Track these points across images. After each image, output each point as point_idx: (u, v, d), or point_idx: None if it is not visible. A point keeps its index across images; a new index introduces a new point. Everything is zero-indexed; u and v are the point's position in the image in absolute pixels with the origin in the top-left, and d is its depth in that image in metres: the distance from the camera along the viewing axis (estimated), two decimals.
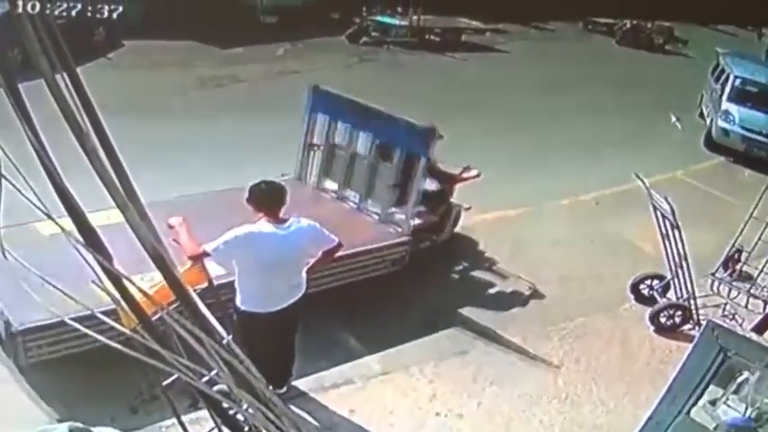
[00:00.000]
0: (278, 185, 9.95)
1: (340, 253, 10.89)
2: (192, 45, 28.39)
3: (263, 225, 9.50)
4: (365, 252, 13.29)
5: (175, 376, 5.75)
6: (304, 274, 9.97)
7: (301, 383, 10.74)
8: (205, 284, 7.23)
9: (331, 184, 15.22)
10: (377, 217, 14.37)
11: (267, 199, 9.71)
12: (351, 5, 35.52)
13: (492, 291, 14.41)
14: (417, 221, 14.14)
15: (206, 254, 9.20)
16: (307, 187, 15.33)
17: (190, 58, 27.02)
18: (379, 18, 34.88)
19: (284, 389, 10.30)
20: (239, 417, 5.56)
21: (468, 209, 15.54)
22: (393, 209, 14.27)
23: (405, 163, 14.04)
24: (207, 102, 22.54)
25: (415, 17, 34.93)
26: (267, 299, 9.63)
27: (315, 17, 33.85)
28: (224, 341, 5.38)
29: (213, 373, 4.78)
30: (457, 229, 15.51)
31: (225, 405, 5.70)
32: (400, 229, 13.94)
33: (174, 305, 4.70)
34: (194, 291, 6.26)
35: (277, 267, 9.56)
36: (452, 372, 11.56)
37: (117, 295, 4.28)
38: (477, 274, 14.85)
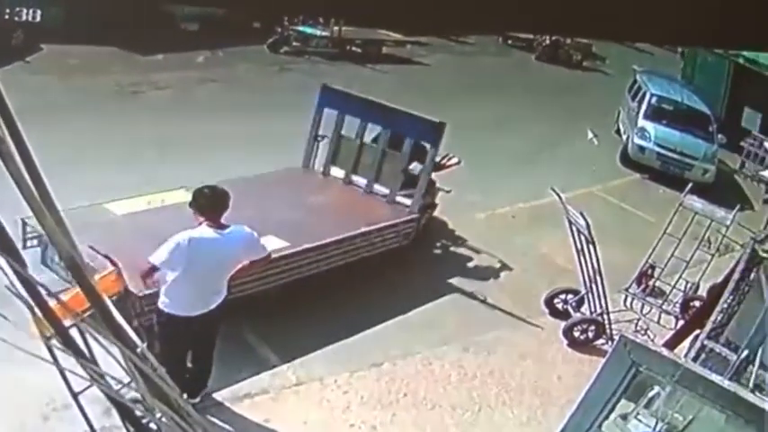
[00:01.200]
0: (221, 190, 9.95)
1: (365, 229, 14.27)
2: (112, 51, 28.11)
3: (205, 230, 9.55)
4: (385, 228, 15.18)
5: (89, 384, 5.76)
6: (226, 281, 9.98)
7: (216, 393, 10.70)
8: (120, 292, 7.22)
9: (338, 172, 16.82)
10: (384, 199, 16.11)
11: (210, 204, 9.76)
12: (272, 15, 35.40)
13: (409, 304, 14.38)
14: (421, 202, 16.06)
15: (154, 267, 9.32)
16: (314, 174, 16.99)
17: (108, 64, 26.73)
18: (300, 28, 34.82)
19: (198, 399, 10.29)
20: (153, 426, 5.57)
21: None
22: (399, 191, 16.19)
23: (411, 151, 16.09)
24: (123, 108, 22.33)
25: (336, 28, 34.94)
26: (194, 303, 9.63)
27: (236, 26, 33.72)
28: (138, 350, 5.39)
29: (127, 381, 4.79)
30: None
31: (138, 414, 5.71)
32: (408, 209, 15.79)
33: (89, 313, 4.71)
34: (109, 299, 6.27)
35: (211, 272, 9.65)
36: (367, 383, 11.55)
37: (31, 302, 4.28)
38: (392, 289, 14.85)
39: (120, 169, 16.79)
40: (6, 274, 3.93)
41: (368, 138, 16.70)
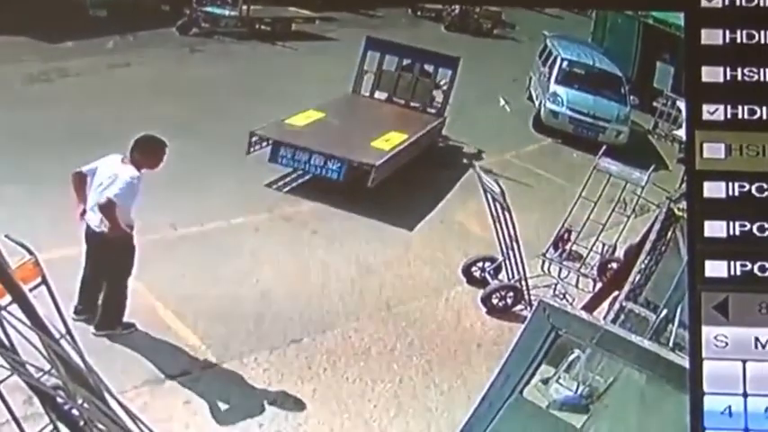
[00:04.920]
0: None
1: (429, 126, 21.03)
2: (22, 40, 27.54)
3: None
4: (434, 128, 21.47)
5: (9, 373, 5.60)
6: None
7: (135, 375, 10.56)
8: (39, 281, 7.03)
9: (381, 94, 22.36)
10: (419, 110, 22.01)
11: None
12: None
13: (320, 274, 14.30)
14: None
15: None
16: (361, 98, 22.38)
17: (17, 54, 26.17)
18: (208, 9, 34.44)
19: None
20: (75, 412, 5.43)
21: None
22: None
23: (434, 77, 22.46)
24: (35, 96, 21.99)
25: (245, 7, 34.64)
26: None
27: (145, 10, 33.29)
28: (59, 338, 5.24)
29: (48, 369, 4.65)
30: None
31: (60, 400, 5.56)
32: (437, 113, 22.06)
33: (9, 302, 4.56)
34: (27, 288, 6.10)
35: None
36: (287, 360, 11.49)
37: None
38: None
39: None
40: None
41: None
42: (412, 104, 22.32)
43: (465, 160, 20.96)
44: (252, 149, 17.82)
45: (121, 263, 11.20)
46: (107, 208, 10.73)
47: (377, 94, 22.53)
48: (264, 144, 17.90)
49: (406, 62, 22.81)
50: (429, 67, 22.75)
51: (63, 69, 24.70)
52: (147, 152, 11.13)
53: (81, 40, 28.53)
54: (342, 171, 17.36)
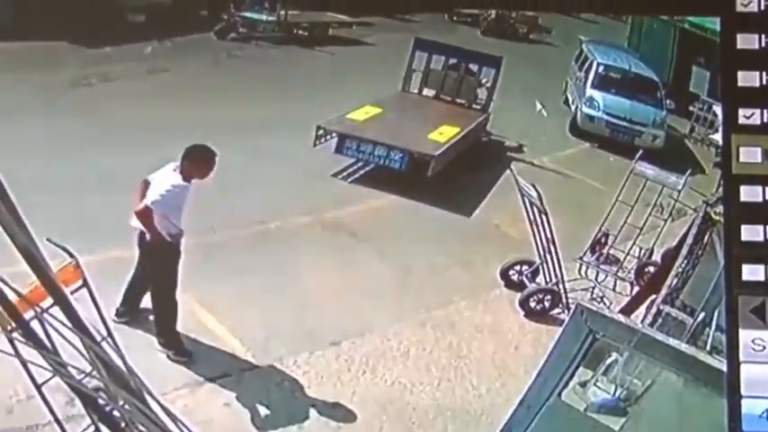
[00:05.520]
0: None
1: (478, 120, 22.70)
2: (62, 45, 27.69)
3: None
4: (480, 123, 22.94)
5: (52, 375, 5.70)
6: None
7: (176, 377, 10.65)
8: (80, 283, 7.12)
9: (429, 92, 23.87)
10: (464, 107, 23.60)
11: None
12: (219, 2, 35.10)
13: (360, 277, 14.37)
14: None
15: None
16: (411, 95, 23.87)
17: (58, 59, 26.35)
18: (246, 14, 34.51)
19: None
20: (116, 413, 5.51)
21: None
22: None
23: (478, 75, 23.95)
24: (76, 101, 22.12)
25: (282, 12, 34.68)
26: None
27: (183, 15, 33.38)
28: (100, 340, 5.33)
29: (89, 370, 4.73)
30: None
31: (101, 402, 5.65)
32: (482, 109, 23.56)
33: (51, 305, 4.64)
34: (69, 290, 6.19)
35: None
36: (326, 362, 11.54)
37: None
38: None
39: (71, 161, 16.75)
40: None
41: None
42: (458, 101, 23.75)
43: (508, 153, 23.13)
44: (318, 142, 19.24)
45: (161, 270, 11.10)
46: (143, 214, 10.78)
47: (425, 92, 23.94)
48: (329, 137, 19.35)
49: (451, 62, 24.14)
50: (473, 67, 24.03)
51: (103, 74, 24.84)
52: (196, 162, 10.90)
53: (120, 46, 28.65)
54: (404, 161, 18.71)
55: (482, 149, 22.91)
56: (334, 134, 19.38)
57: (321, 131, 19.35)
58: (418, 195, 17.94)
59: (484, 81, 24.12)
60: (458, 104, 23.80)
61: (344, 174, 19.27)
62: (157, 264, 11.01)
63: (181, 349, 11.04)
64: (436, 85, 24.09)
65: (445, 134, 20.56)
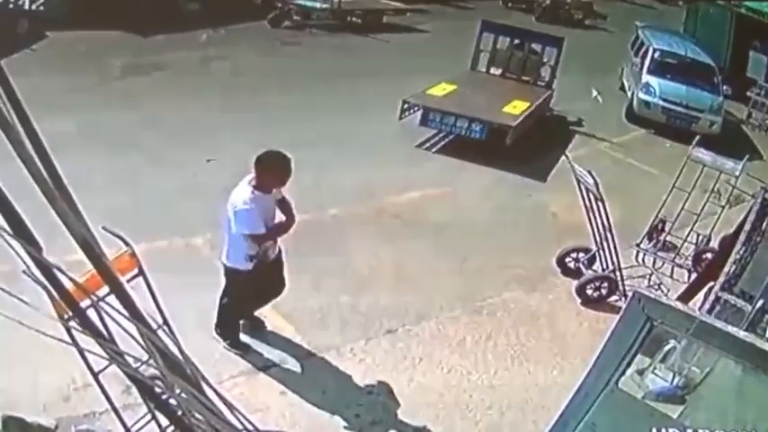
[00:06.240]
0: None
1: (538, 101, 23.53)
2: (116, 35, 27.91)
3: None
4: (545, 99, 24.56)
5: (108, 363, 5.75)
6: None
7: (232, 365, 10.71)
8: (136, 272, 7.17)
9: (495, 71, 25.95)
10: (529, 84, 25.33)
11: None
12: None
13: (416, 265, 14.39)
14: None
15: None
16: (478, 74, 25.76)
17: (113, 48, 26.54)
18: (300, 1, 34.58)
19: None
20: (172, 401, 5.55)
21: None
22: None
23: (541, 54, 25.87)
24: (129, 90, 22.27)
25: (336, 0, 34.77)
26: None
27: (237, 3, 33.53)
28: (157, 328, 5.36)
29: (146, 359, 4.78)
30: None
31: (158, 390, 5.69)
32: (546, 86, 25.31)
33: (107, 293, 4.69)
34: (125, 279, 6.25)
35: None
36: (382, 350, 11.58)
37: (48, 285, 4.26)
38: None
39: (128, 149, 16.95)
40: (23, 259, 3.92)
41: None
42: (523, 78, 25.57)
43: (570, 127, 24.84)
44: (403, 115, 20.91)
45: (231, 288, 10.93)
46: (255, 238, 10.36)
47: (492, 70, 26.01)
48: (413, 110, 21.04)
49: (516, 42, 26.16)
50: (537, 47, 26.03)
51: (157, 63, 25.02)
52: (271, 169, 10.19)
53: (173, 34, 28.83)
54: (484, 131, 20.42)
55: (548, 123, 24.28)
56: (417, 108, 20.99)
57: (406, 106, 20.91)
58: (497, 162, 19.38)
59: (546, 60, 25.70)
60: (523, 82, 25.45)
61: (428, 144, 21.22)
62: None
63: (236, 342, 11.08)
64: (502, 64, 25.94)
65: (518, 107, 22.17)
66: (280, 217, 10.48)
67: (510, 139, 20.27)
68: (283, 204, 10.50)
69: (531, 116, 22.41)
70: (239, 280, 10.62)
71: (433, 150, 20.78)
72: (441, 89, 22.60)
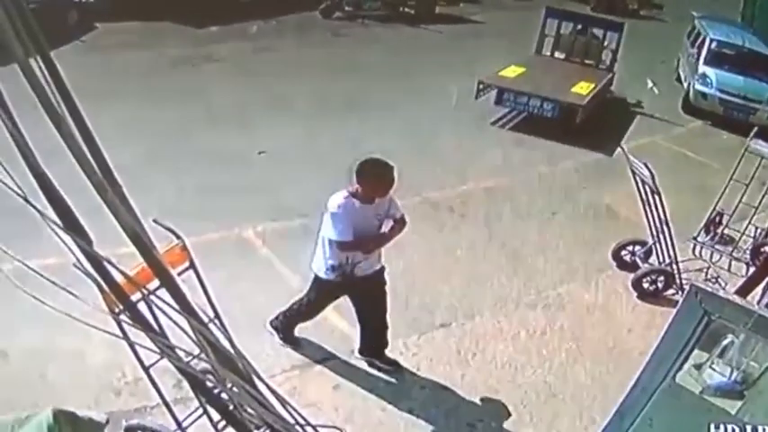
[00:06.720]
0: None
1: (602, 82, 24.42)
2: (166, 26, 28.08)
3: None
4: (608, 81, 25.35)
5: (159, 357, 5.74)
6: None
7: (284, 359, 10.71)
8: (187, 265, 7.18)
9: (559, 54, 26.82)
10: (592, 65, 26.30)
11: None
12: None
13: (469, 258, 14.34)
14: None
15: None
16: (543, 58, 26.66)
17: (163, 39, 26.71)
18: None
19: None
20: (224, 395, 5.53)
21: None
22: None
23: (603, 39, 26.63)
24: (181, 82, 22.35)
25: None
26: None
27: None
28: (208, 322, 5.34)
29: (197, 353, 4.76)
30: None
31: (209, 384, 5.68)
32: (607, 69, 26.13)
33: (157, 287, 4.67)
34: (176, 272, 6.23)
35: None
36: (436, 344, 11.52)
37: (99, 279, 4.25)
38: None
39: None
40: (74, 253, 3.91)
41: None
42: (586, 62, 26.43)
43: (631, 108, 25.72)
44: (479, 95, 22.13)
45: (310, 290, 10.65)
46: (344, 247, 9.87)
47: (556, 54, 26.92)
48: (488, 90, 22.23)
49: (578, 27, 27.14)
50: (598, 32, 26.86)
51: (208, 54, 25.15)
52: (367, 180, 9.65)
53: (224, 25, 28.96)
54: (556, 110, 21.74)
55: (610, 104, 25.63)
56: (492, 88, 22.25)
57: (481, 86, 22.10)
58: (568, 139, 20.86)
59: (607, 44, 26.49)
60: (586, 65, 26.33)
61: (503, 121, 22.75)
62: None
63: (291, 337, 11.04)
64: (566, 48, 26.84)
65: (584, 88, 23.17)
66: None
67: (579, 117, 21.49)
68: (397, 221, 10.10)
69: (597, 96, 23.36)
70: (317, 287, 10.42)
71: (490, 140, 20.73)
72: (511, 71, 23.60)
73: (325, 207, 9.76)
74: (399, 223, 10.08)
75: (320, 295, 10.53)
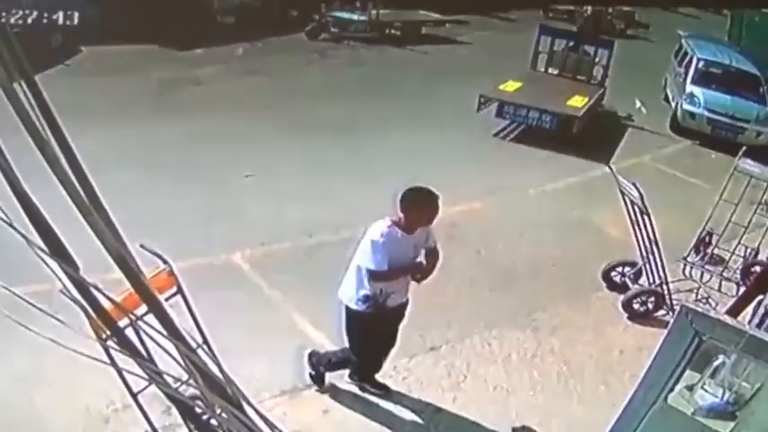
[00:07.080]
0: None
1: (598, 93, 26.26)
2: (151, 48, 28.11)
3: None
4: (600, 95, 26.49)
5: (147, 383, 5.70)
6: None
7: (275, 384, 10.65)
8: (174, 290, 7.13)
9: (553, 70, 28.10)
10: (583, 83, 27.00)
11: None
12: (309, 2, 35.37)
13: (465, 277, 14.27)
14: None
15: None
16: (538, 73, 27.91)
17: (148, 62, 26.73)
18: (337, 14, 34.83)
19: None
20: (213, 422, 5.49)
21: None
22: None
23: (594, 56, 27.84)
24: (166, 104, 22.34)
25: (374, 11, 34.85)
26: None
27: (273, 16, 33.71)
28: (196, 347, 5.29)
29: (186, 378, 4.71)
30: None
31: (198, 410, 5.63)
32: (599, 84, 27.09)
33: (145, 312, 4.63)
34: (163, 297, 6.18)
35: None
36: (425, 368, 11.48)
37: (85, 304, 4.20)
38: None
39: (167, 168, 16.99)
40: (59, 278, 3.88)
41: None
42: (578, 77, 27.53)
43: (622, 121, 26.88)
44: (480, 108, 23.39)
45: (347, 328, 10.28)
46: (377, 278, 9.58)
47: (550, 70, 28.26)
48: (489, 104, 23.49)
49: (571, 44, 28.43)
50: (590, 48, 28.30)
51: (194, 77, 25.19)
52: (411, 209, 9.44)
53: (210, 48, 29.04)
54: (554, 122, 23.00)
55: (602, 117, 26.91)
56: (492, 101, 23.53)
57: (483, 100, 23.42)
58: (565, 149, 21.77)
59: (598, 60, 27.68)
60: (578, 80, 27.45)
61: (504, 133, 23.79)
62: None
63: (373, 382, 10.82)
64: (559, 65, 28.23)
65: (579, 101, 24.47)
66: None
67: (576, 128, 22.83)
68: (430, 251, 9.94)
69: (591, 109, 24.60)
70: (348, 318, 10.06)
71: (479, 163, 20.45)
72: (510, 85, 24.96)
73: (367, 234, 9.52)
74: (433, 255, 9.91)
75: (359, 327, 10.10)
